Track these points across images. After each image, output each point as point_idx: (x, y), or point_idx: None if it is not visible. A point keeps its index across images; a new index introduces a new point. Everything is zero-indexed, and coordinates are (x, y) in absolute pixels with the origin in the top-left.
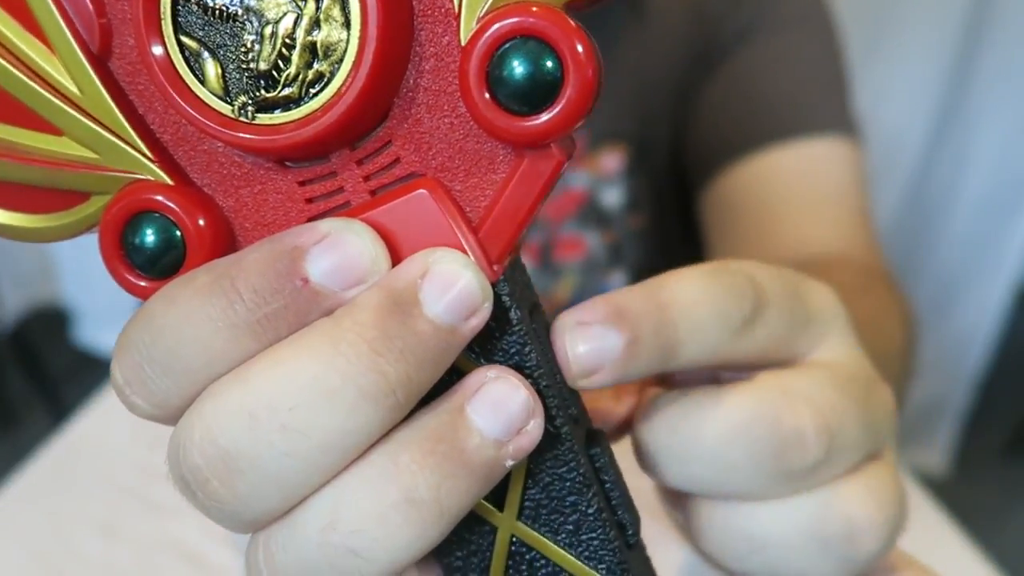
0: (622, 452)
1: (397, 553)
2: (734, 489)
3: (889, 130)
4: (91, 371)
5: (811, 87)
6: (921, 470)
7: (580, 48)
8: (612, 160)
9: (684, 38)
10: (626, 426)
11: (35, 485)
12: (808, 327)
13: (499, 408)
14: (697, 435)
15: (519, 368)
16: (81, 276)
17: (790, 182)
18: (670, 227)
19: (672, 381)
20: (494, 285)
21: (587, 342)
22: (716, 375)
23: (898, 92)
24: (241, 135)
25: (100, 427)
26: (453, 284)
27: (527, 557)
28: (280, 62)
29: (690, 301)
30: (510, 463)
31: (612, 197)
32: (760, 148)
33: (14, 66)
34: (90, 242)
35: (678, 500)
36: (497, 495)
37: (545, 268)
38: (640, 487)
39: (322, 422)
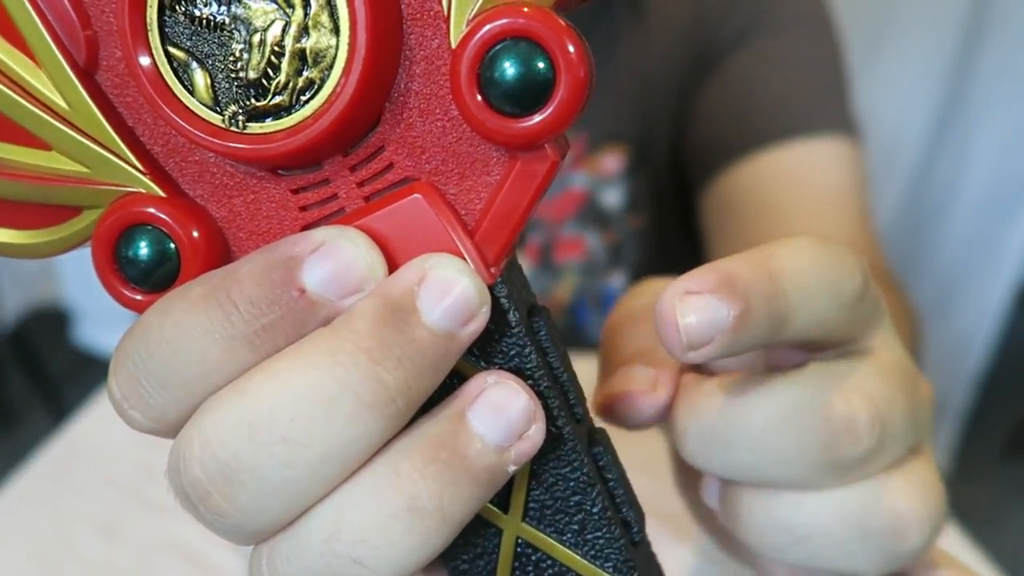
0: (624, 451)
1: (401, 561)
2: (780, 478)
3: (889, 130)
4: (91, 371)
5: (810, 87)
6: None
7: (571, 48)
8: (612, 161)
9: (684, 39)
10: (660, 416)
11: (35, 485)
12: (877, 313)
13: (500, 414)
14: (745, 421)
15: (519, 370)
16: (81, 276)
17: (790, 182)
18: (670, 228)
19: (710, 369)
20: (492, 288)
21: (697, 312)
22: (757, 362)
23: (898, 92)
24: (232, 145)
25: (100, 427)
26: (450, 290)
27: (533, 558)
28: (269, 70)
29: (803, 271)
30: (512, 468)
31: (612, 198)
32: (760, 148)
33: (0, 81)
34: None
35: (697, 486)
36: (501, 497)
37: (545, 268)
38: (640, 485)
39: (322, 432)
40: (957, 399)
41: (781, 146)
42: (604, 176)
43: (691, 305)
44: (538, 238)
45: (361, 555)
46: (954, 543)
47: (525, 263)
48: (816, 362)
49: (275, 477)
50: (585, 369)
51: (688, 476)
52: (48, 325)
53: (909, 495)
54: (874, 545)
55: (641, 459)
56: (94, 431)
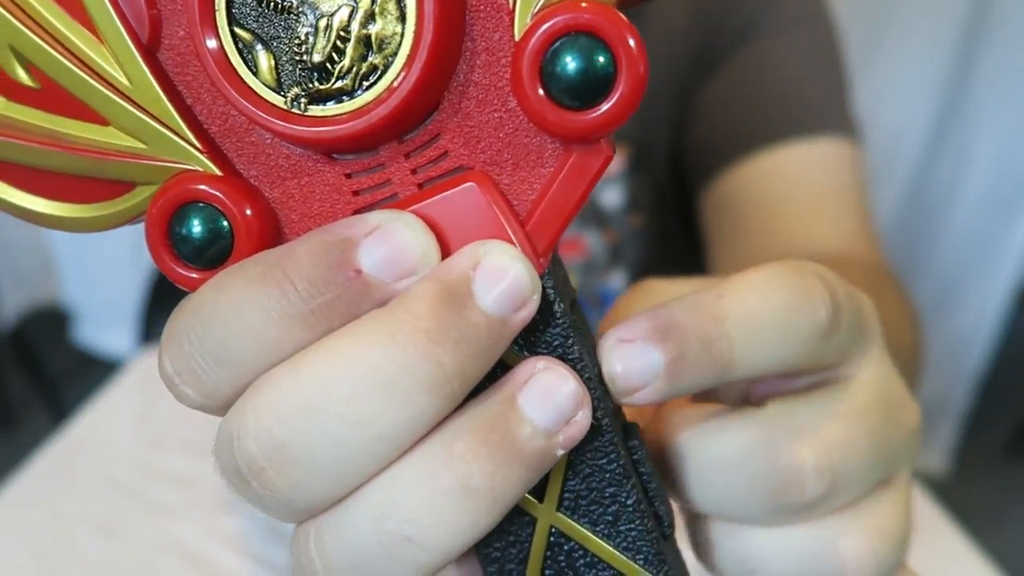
0: None
1: (450, 540)
2: (729, 514)
3: (889, 130)
4: (91, 371)
5: (811, 87)
6: (921, 470)
7: (632, 43)
8: (612, 160)
9: (684, 38)
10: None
11: (35, 485)
12: (860, 339)
13: (549, 398)
14: (698, 458)
15: (562, 360)
16: (81, 276)
17: (790, 182)
18: (670, 227)
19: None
20: (540, 278)
21: (627, 361)
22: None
23: (898, 92)
24: (293, 127)
25: (100, 427)
26: (504, 276)
27: (565, 548)
28: (334, 54)
29: (751, 313)
30: (560, 453)
31: (612, 197)
32: (760, 148)
33: (63, 55)
34: (89, 242)
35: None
36: (537, 486)
37: None
38: None
39: (379, 411)
40: (957, 399)
41: (781, 146)
42: (604, 176)
43: (619, 354)
44: None
45: (412, 533)
46: (954, 543)
47: None
48: (776, 401)
49: (330, 455)
50: None
51: None
52: (48, 325)
53: (858, 541)
54: None
55: None
56: (94, 431)
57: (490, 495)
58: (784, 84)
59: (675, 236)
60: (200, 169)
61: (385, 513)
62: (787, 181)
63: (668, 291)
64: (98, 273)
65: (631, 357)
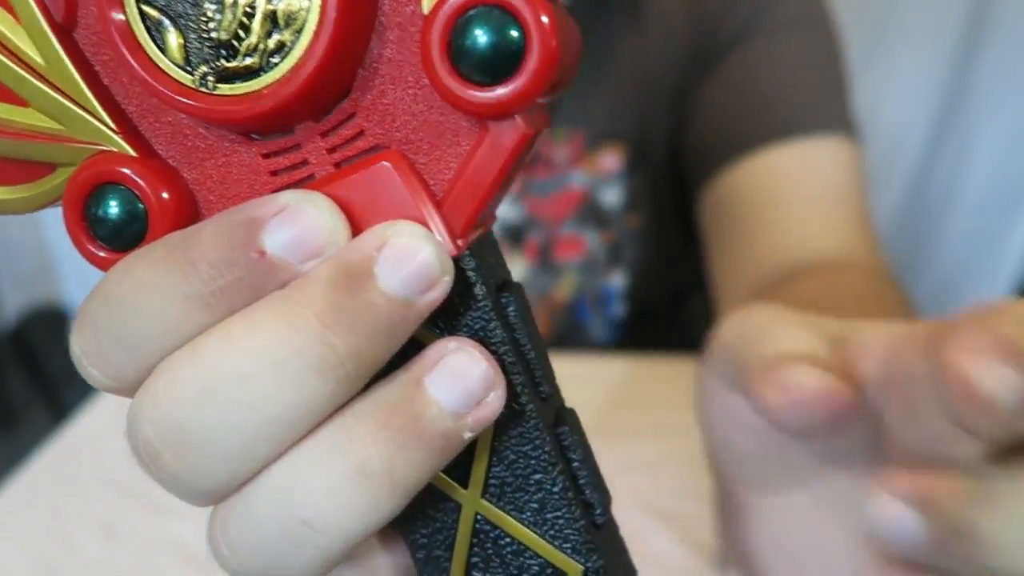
0: (626, 451)
1: (350, 525)
2: None
3: (889, 130)
4: None
5: (810, 87)
6: None
7: (544, 18)
8: (611, 160)
9: (683, 38)
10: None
11: (35, 485)
12: None
13: (458, 380)
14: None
15: (484, 343)
16: (81, 276)
17: (789, 182)
18: (669, 226)
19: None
20: (459, 259)
21: (890, 526)
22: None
23: (898, 92)
24: (201, 105)
25: (100, 427)
26: (411, 257)
27: (492, 535)
28: (240, 31)
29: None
30: (469, 435)
31: (611, 197)
32: (759, 148)
33: None
34: None
35: (739, 527)
36: (462, 472)
37: (545, 268)
38: (641, 486)
39: (270, 395)
40: None
41: (780, 145)
42: (603, 175)
43: (883, 518)
44: (537, 237)
45: (310, 517)
46: None
47: (525, 262)
48: None
49: (223, 439)
50: (584, 369)
51: (729, 515)
52: (48, 325)
53: None
54: None
55: (641, 459)
56: (94, 431)
57: (388, 479)
58: (783, 83)
59: (674, 235)
60: (116, 150)
61: (284, 498)
62: (785, 181)
63: (777, 333)
64: (98, 273)
65: (896, 522)
